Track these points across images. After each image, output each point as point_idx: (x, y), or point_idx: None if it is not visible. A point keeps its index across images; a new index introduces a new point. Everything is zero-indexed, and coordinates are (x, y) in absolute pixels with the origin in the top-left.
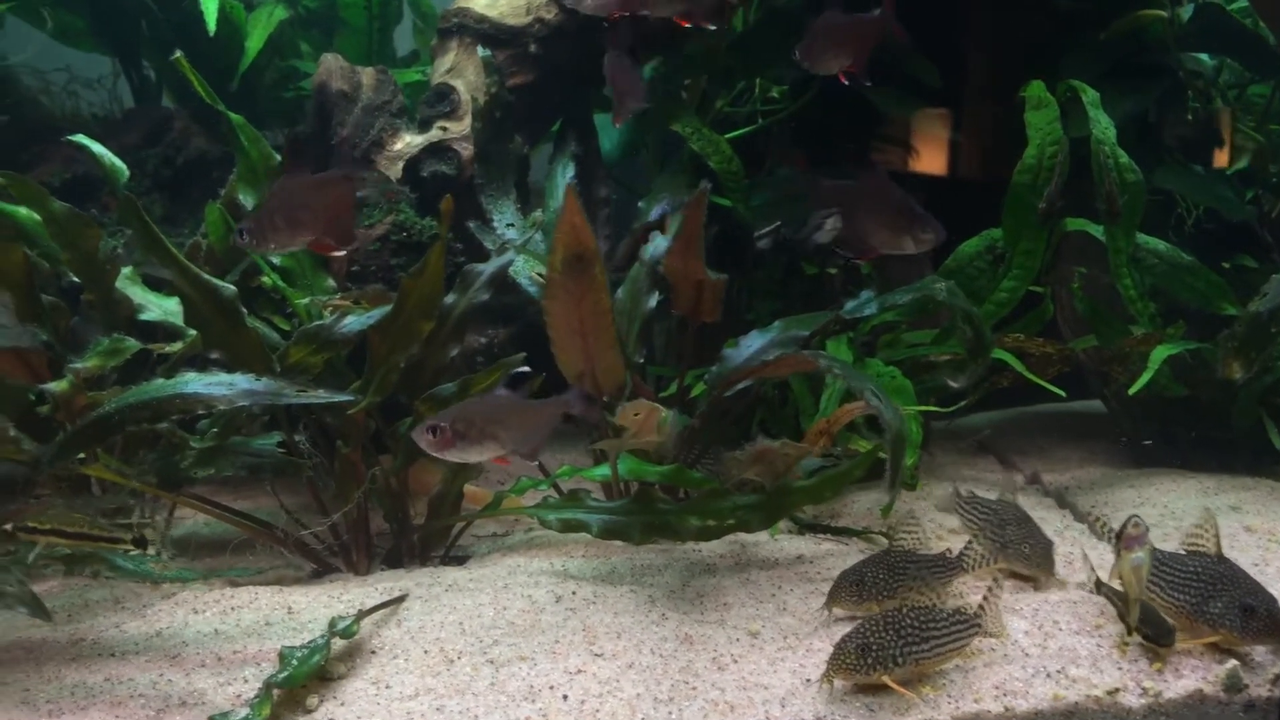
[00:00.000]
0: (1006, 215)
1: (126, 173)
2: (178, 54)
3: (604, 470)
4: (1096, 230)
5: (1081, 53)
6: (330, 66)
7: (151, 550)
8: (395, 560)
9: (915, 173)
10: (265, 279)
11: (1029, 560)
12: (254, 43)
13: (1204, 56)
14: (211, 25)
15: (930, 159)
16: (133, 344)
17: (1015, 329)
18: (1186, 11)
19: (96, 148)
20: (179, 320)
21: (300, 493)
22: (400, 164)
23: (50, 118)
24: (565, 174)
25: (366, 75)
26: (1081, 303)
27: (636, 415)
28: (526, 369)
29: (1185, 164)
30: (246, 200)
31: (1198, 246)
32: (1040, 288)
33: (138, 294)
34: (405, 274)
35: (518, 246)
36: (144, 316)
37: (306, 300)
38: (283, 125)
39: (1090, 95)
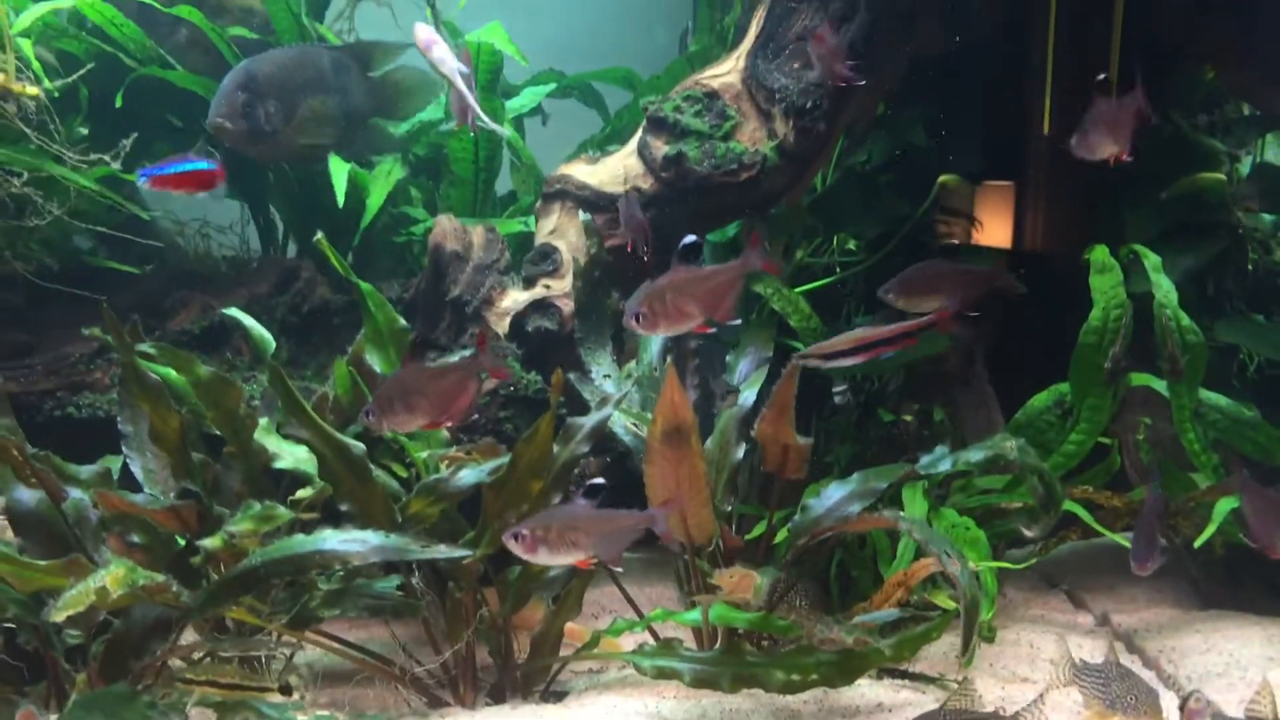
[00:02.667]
0: (1074, 373)
1: (273, 345)
2: (319, 236)
3: (695, 615)
4: (1160, 386)
5: (1144, 210)
6: (445, 228)
7: (295, 695)
8: (499, 695)
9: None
10: (388, 431)
11: (1137, 711)
12: (374, 200)
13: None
14: (341, 199)
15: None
16: (284, 513)
17: (1083, 480)
18: (1246, 166)
19: (247, 320)
20: (309, 467)
21: (412, 624)
22: (507, 319)
23: (186, 261)
24: None
25: (477, 235)
26: (1147, 454)
27: (732, 579)
28: (601, 480)
29: (1246, 314)
30: (372, 360)
31: (1260, 394)
32: (1108, 439)
33: (272, 443)
34: (512, 427)
35: (615, 401)
36: (278, 464)
37: (425, 454)
38: (394, 264)
39: (1152, 260)
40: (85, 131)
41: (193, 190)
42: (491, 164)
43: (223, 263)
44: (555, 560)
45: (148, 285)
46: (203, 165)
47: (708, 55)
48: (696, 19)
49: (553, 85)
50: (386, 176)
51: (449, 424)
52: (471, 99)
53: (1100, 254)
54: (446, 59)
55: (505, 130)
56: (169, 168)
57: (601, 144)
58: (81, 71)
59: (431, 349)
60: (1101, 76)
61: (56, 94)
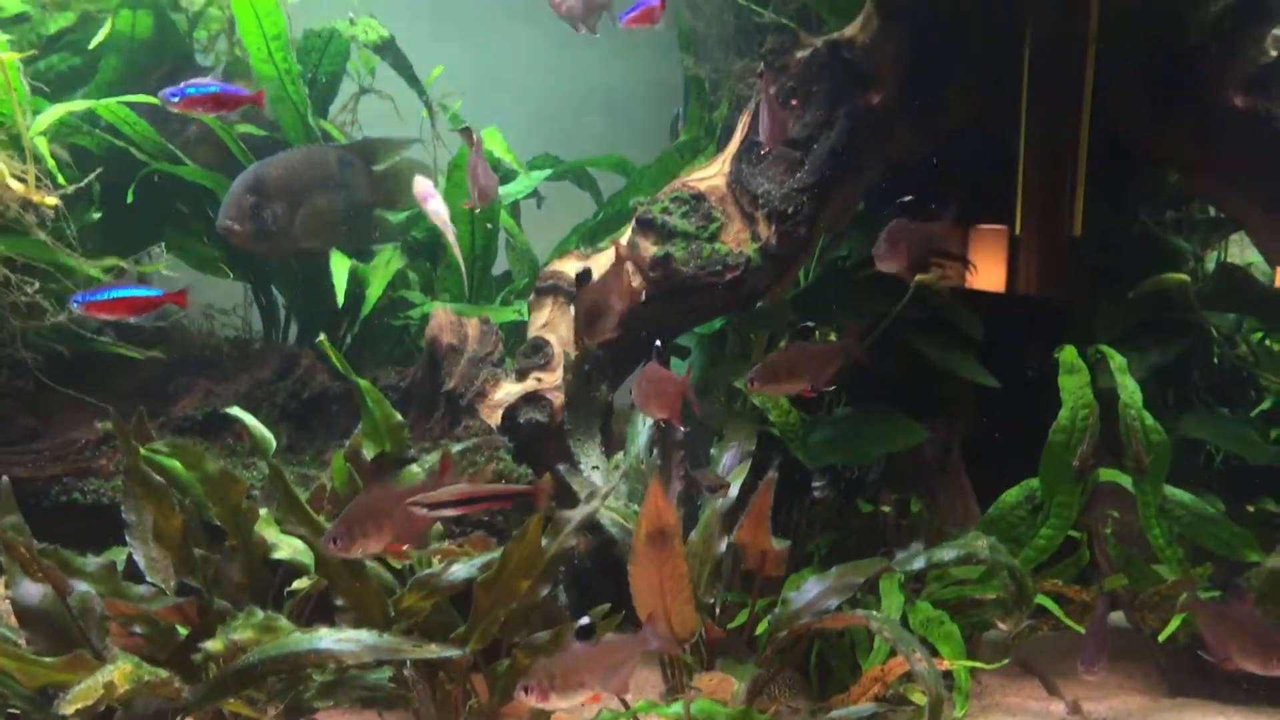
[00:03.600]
0: (1044, 470)
1: (273, 444)
2: (322, 338)
3: (678, 708)
4: (1127, 481)
5: (1112, 308)
6: (441, 321)
7: None
8: None
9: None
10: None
11: None
12: (373, 291)
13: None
14: (341, 297)
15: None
16: (286, 625)
17: (1054, 574)
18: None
19: (249, 420)
20: (306, 558)
21: (403, 714)
22: (499, 411)
23: (191, 344)
24: (644, 424)
25: (472, 327)
26: (1114, 549)
27: (712, 682)
28: (587, 621)
29: (1212, 407)
30: (369, 453)
31: (1226, 486)
32: (1077, 533)
33: (271, 535)
34: (503, 519)
35: (603, 496)
36: (276, 555)
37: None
38: (391, 345)
39: (1118, 361)
40: (97, 216)
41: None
42: (487, 252)
43: (226, 343)
44: (567, 703)
45: (152, 370)
46: (143, 292)
47: (696, 145)
48: (686, 109)
49: (549, 171)
50: (385, 266)
51: (409, 549)
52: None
53: (1069, 355)
54: (441, 211)
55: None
56: (110, 292)
57: (594, 230)
58: (95, 174)
59: (424, 439)
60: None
61: (69, 190)
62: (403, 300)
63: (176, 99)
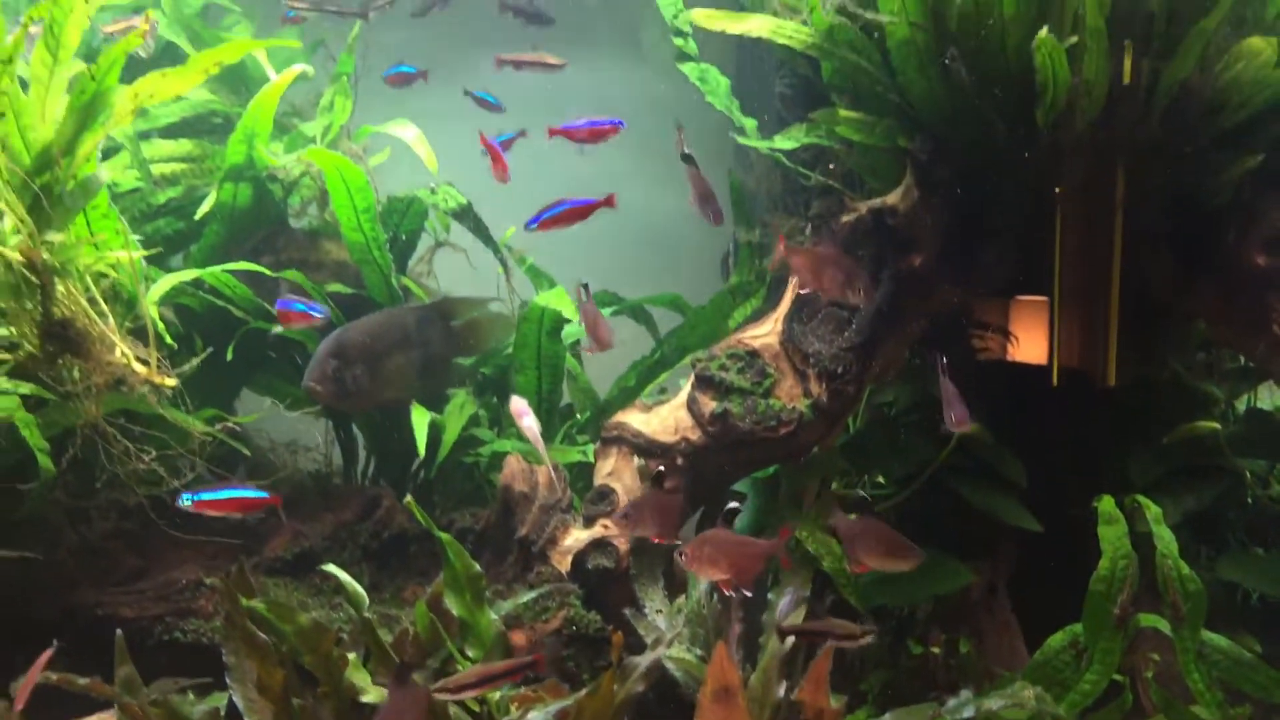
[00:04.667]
0: (1086, 617)
1: (366, 600)
2: (408, 499)
3: None
4: (1166, 626)
5: (1147, 454)
6: (514, 470)
7: None
8: None
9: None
10: (459, 665)
11: None
12: (449, 436)
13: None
14: (422, 450)
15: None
16: None
17: (1100, 718)
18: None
19: (343, 576)
20: None
21: None
22: (569, 558)
23: (278, 480)
24: None
25: (542, 475)
26: (1155, 693)
27: None
28: None
29: (1248, 546)
30: (450, 603)
31: (1263, 624)
32: (1120, 676)
33: (360, 679)
34: (575, 665)
35: (668, 641)
36: (365, 699)
37: (499, 694)
38: (463, 480)
39: (1154, 511)
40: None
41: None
42: (553, 395)
43: (309, 478)
44: None
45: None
46: (248, 493)
47: (748, 289)
48: (737, 253)
49: (610, 310)
50: (460, 411)
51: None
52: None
53: (1107, 505)
54: (534, 427)
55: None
56: (218, 493)
57: (652, 367)
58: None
59: (498, 583)
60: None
61: (176, 347)
62: (474, 439)
63: (189, 501)
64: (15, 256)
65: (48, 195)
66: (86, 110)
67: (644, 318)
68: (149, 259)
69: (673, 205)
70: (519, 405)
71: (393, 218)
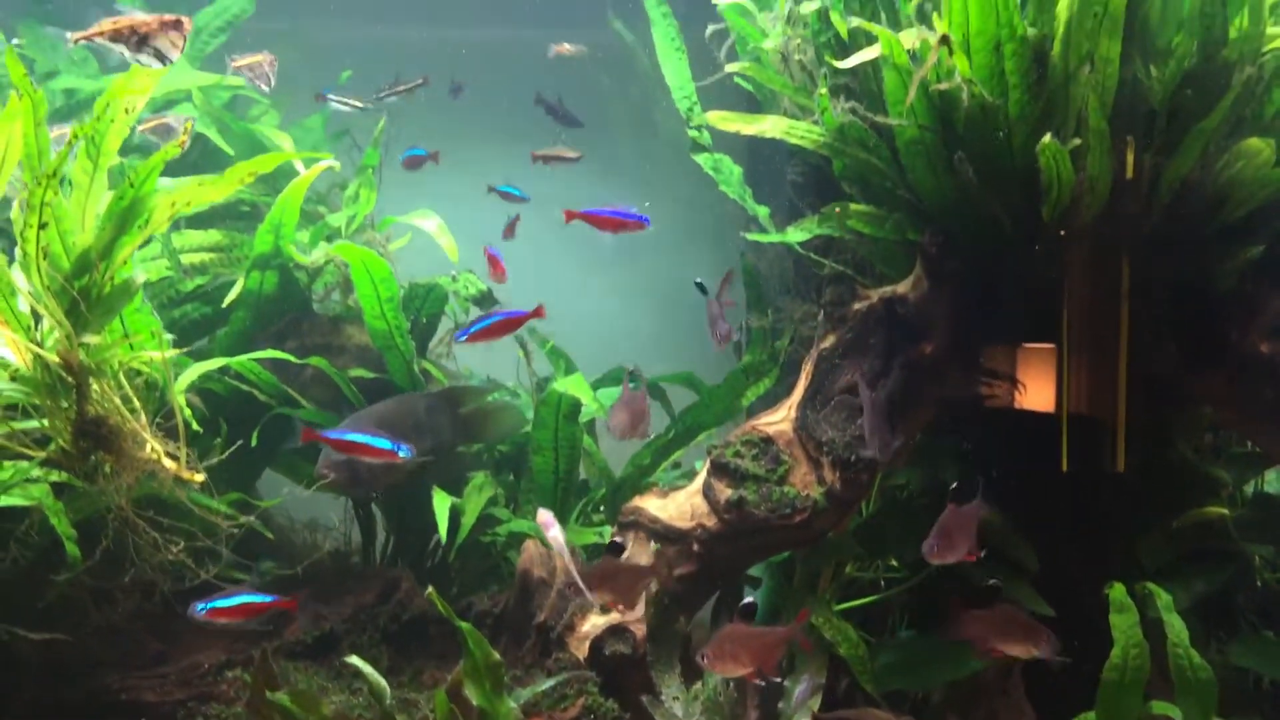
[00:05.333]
0: (1100, 707)
1: (388, 692)
2: (430, 590)
3: None
4: (1178, 714)
5: (1157, 538)
6: (532, 554)
7: None
8: None
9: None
10: None
11: None
12: (468, 519)
13: None
14: (444, 535)
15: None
16: None
17: None
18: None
19: (365, 668)
20: None
21: None
22: (587, 643)
23: (297, 558)
24: None
25: (559, 560)
26: None
27: None
28: None
29: (1259, 629)
30: (470, 692)
31: (1276, 707)
32: None
33: None
34: None
35: None
36: None
37: None
38: (480, 560)
39: (1164, 599)
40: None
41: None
42: (570, 475)
43: (327, 557)
44: None
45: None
46: (260, 598)
47: (760, 369)
48: (749, 335)
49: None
50: (479, 493)
51: None
52: (576, 574)
53: (1118, 592)
54: (559, 537)
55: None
56: (231, 599)
57: (667, 445)
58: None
59: (516, 667)
60: (954, 485)
61: (201, 431)
62: (491, 516)
63: (202, 611)
64: (53, 359)
65: (86, 298)
66: (125, 216)
67: (659, 394)
68: (176, 341)
69: (686, 280)
70: (545, 517)
71: (414, 303)
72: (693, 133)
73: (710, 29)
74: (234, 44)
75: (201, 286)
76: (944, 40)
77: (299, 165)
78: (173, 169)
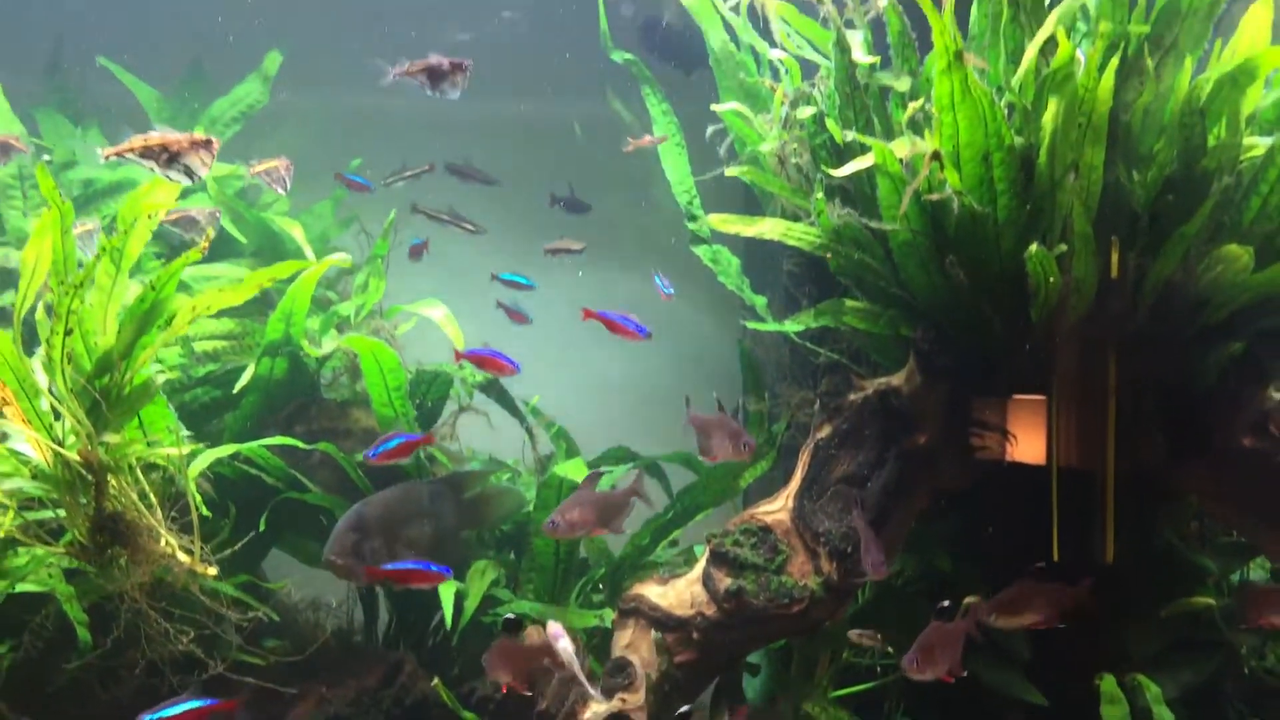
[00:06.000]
0: None
1: None
2: (436, 681)
3: None
4: None
5: (1145, 628)
6: (533, 641)
7: None
8: None
9: None
10: None
11: None
12: (470, 603)
13: None
14: (449, 621)
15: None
16: None
17: None
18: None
19: None
20: None
21: None
22: None
23: (300, 637)
24: None
25: (562, 653)
26: None
27: None
28: None
29: (1245, 718)
30: None
31: None
32: None
33: None
34: None
35: None
36: None
37: None
38: (482, 642)
39: (1153, 691)
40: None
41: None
42: (570, 556)
43: (331, 637)
44: None
45: (268, 674)
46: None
47: (758, 453)
48: (746, 418)
49: (625, 467)
50: (481, 577)
51: None
52: (584, 680)
53: (1109, 685)
54: (568, 649)
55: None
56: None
57: (667, 525)
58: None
59: None
60: (945, 604)
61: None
62: (493, 597)
63: None
64: (74, 458)
65: (106, 397)
66: (146, 317)
67: (657, 472)
68: (187, 424)
69: (684, 361)
70: (555, 629)
71: (420, 387)
72: (692, 226)
73: (710, 129)
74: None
75: (213, 372)
76: (935, 156)
77: (308, 251)
78: (183, 246)
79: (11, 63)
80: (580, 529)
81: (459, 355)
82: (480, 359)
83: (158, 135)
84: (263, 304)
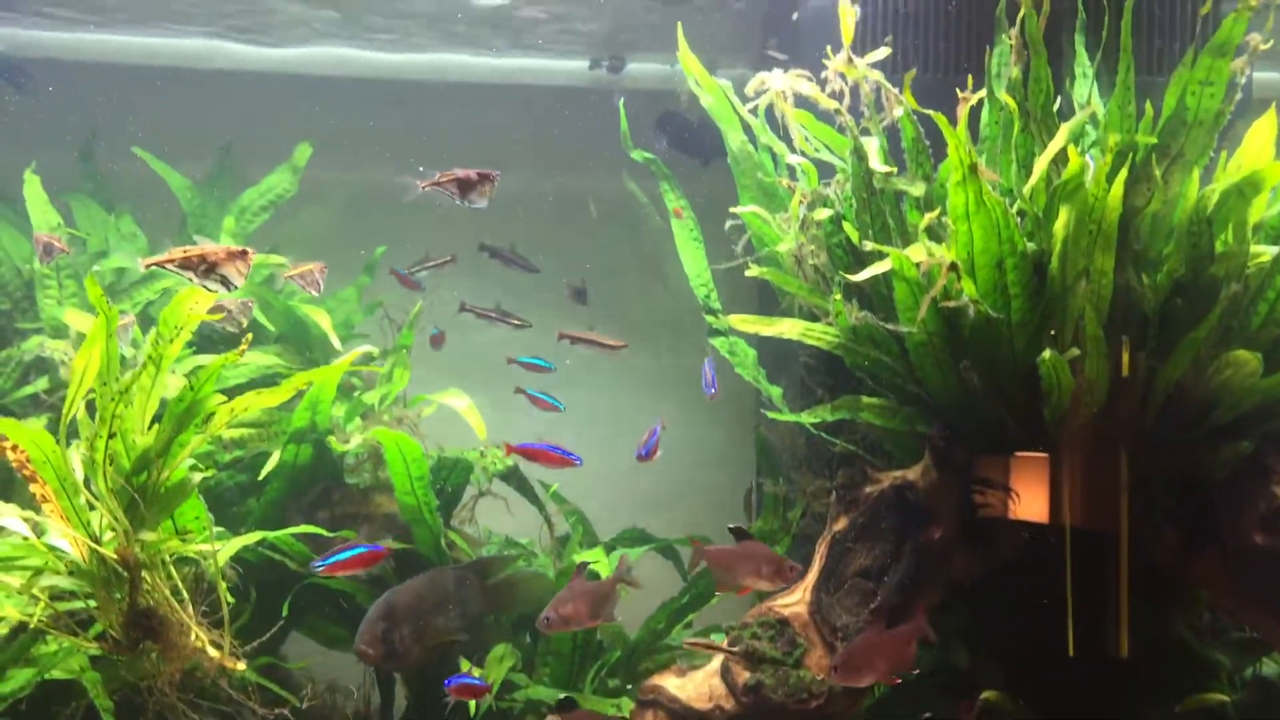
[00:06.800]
0: None
1: None
2: None
3: None
4: None
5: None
6: None
7: None
8: None
9: None
10: None
11: None
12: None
13: None
14: (472, 709)
15: None
16: None
17: None
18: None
19: None
20: None
21: None
22: None
23: (320, 718)
24: None
25: None
26: None
27: None
28: None
29: None
30: None
31: None
32: None
33: None
34: None
35: None
36: None
37: None
38: None
39: None
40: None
41: None
42: (587, 642)
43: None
44: None
45: None
46: None
47: (773, 537)
48: (761, 498)
49: (643, 549)
50: (500, 663)
51: None
52: None
53: None
54: None
55: None
56: None
57: (682, 609)
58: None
59: None
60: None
61: (233, 602)
62: (509, 682)
63: None
64: (111, 555)
65: (143, 495)
66: (183, 417)
67: (671, 554)
68: (212, 507)
69: (701, 446)
70: None
71: (441, 473)
72: (709, 318)
73: (729, 224)
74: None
75: (240, 458)
76: (953, 267)
77: (334, 339)
78: (212, 332)
79: (46, 147)
80: (574, 623)
81: (510, 449)
82: (536, 454)
83: (197, 247)
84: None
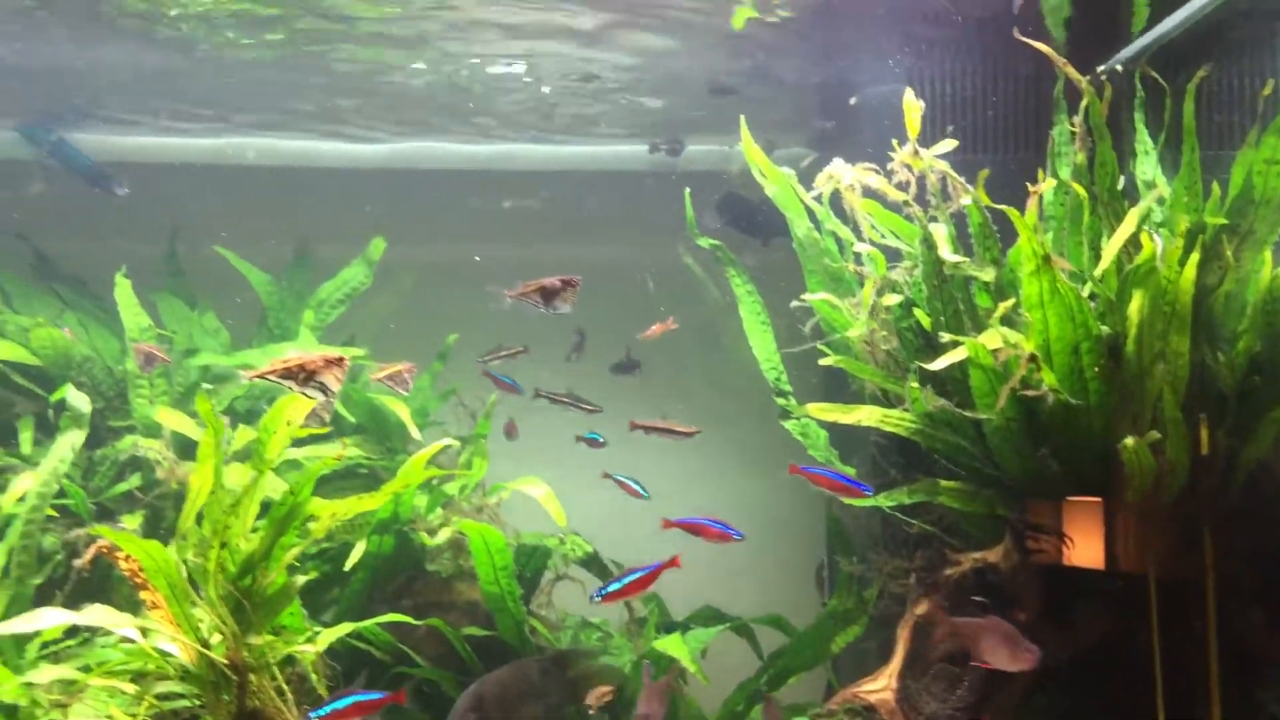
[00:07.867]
0: None
1: None
2: None
3: None
4: None
5: None
6: None
7: None
8: None
9: None
10: None
11: None
12: None
13: None
14: None
15: None
16: None
17: None
18: None
19: None
20: None
21: None
22: None
23: None
24: None
25: None
26: None
27: None
28: None
29: None
30: None
31: None
32: None
33: None
34: None
35: None
36: None
37: None
38: None
39: None
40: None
41: None
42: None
43: None
44: None
45: None
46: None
47: (849, 617)
48: (833, 572)
49: (718, 629)
50: None
51: None
52: None
53: None
54: None
55: None
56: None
57: (758, 691)
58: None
59: None
60: None
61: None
62: None
63: None
64: (220, 659)
65: (249, 598)
66: (284, 521)
67: (747, 633)
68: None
69: (775, 525)
70: None
71: (520, 558)
72: (780, 401)
73: (794, 303)
74: None
75: (326, 549)
76: (1032, 359)
77: (413, 430)
78: None
79: (129, 239)
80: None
81: (668, 524)
82: (696, 529)
83: (296, 357)
84: (369, 479)
